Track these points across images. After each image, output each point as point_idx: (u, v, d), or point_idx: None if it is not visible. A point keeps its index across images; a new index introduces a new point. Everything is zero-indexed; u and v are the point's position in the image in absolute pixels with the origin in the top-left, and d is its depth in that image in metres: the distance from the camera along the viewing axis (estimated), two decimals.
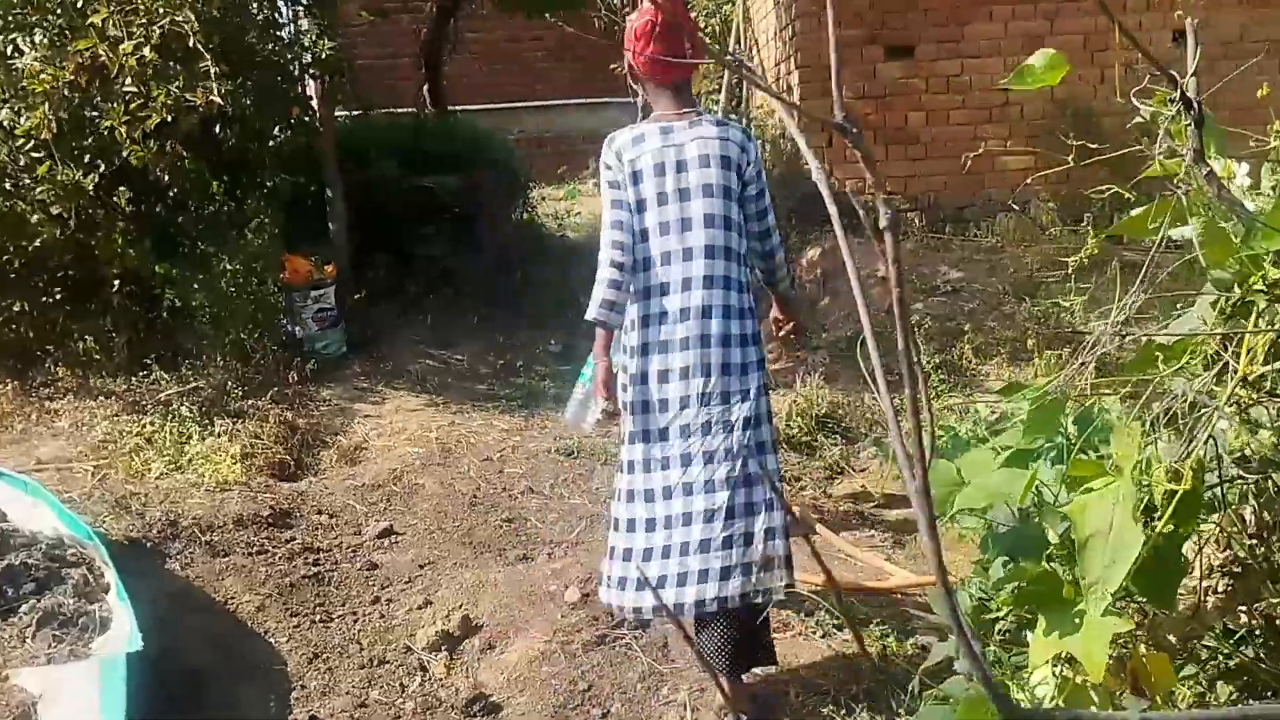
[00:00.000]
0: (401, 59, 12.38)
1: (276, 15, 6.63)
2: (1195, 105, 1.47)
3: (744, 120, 8.67)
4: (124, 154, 5.71)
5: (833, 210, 1.04)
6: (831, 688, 3.25)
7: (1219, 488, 1.95)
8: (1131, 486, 1.67)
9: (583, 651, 3.53)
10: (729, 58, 7.67)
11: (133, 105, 5.63)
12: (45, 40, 5.82)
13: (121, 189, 5.81)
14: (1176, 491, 1.77)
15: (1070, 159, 2.26)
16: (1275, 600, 1.96)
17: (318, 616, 3.93)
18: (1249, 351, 1.78)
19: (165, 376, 5.80)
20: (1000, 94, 7.97)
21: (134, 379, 5.85)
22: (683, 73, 3.26)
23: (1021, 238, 7.23)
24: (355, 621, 3.92)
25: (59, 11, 5.85)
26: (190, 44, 5.77)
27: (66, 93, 5.62)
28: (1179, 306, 2.56)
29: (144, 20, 5.72)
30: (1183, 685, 1.95)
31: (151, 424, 5.38)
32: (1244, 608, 1.98)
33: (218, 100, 5.76)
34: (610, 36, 12.63)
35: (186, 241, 6.06)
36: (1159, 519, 1.73)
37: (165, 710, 3.19)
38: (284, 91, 6.85)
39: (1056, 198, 7.63)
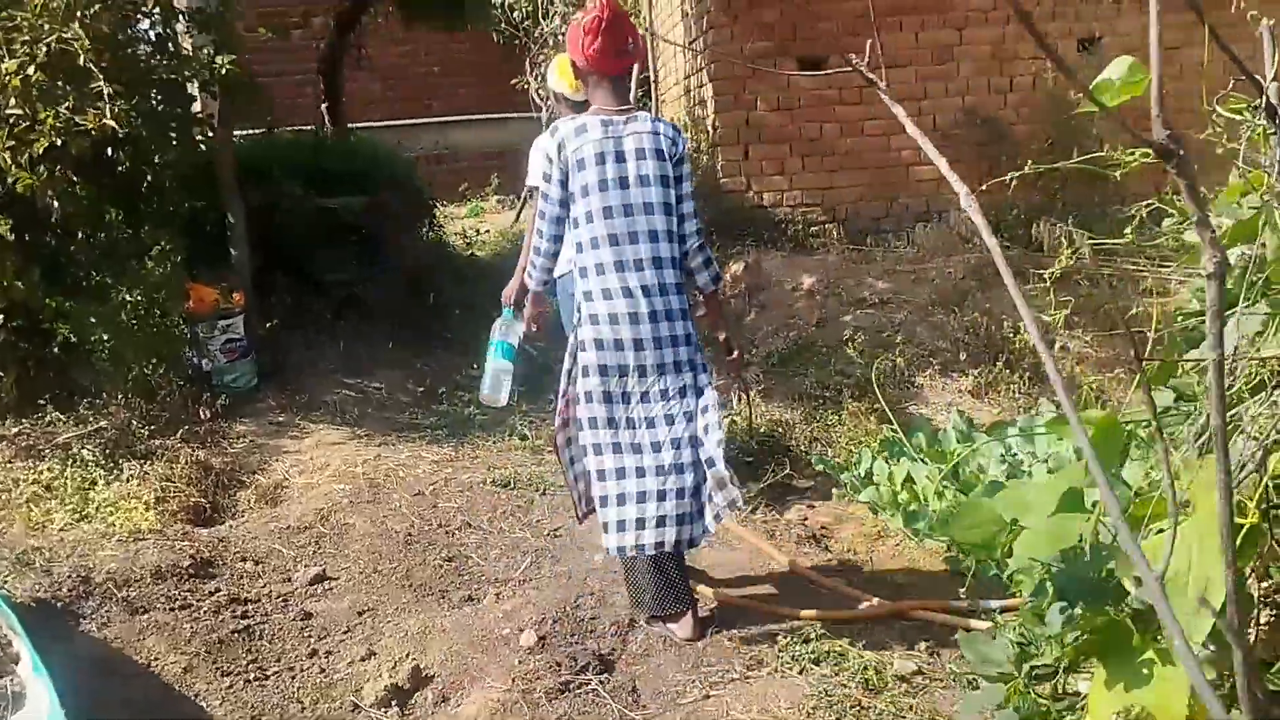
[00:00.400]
0: (294, 76, 11.99)
1: (171, 31, 6.26)
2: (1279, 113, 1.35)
3: None
4: (9, 181, 5.31)
5: (986, 234, 0.89)
6: None
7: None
8: (1213, 524, 1.55)
9: (546, 700, 3.32)
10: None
11: (18, 129, 5.25)
12: None
13: (1, 217, 5.40)
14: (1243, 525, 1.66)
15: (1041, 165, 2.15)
16: None
17: (252, 674, 3.63)
18: None
19: (61, 417, 5.40)
20: (912, 104, 7.98)
21: (25, 421, 5.43)
22: (625, 66, 3.69)
23: (942, 247, 7.23)
24: (293, 678, 3.64)
25: None
26: (80, 62, 5.40)
27: None
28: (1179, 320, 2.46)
29: (28, 38, 5.34)
30: None
31: (50, 470, 5.00)
32: None
33: (111, 123, 5.41)
34: (511, 51, 12.44)
35: (81, 272, 5.66)
36: None
37: None
38: (181, 111, 6.48)
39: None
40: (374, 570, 4.35)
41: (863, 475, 4.87)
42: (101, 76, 5.39)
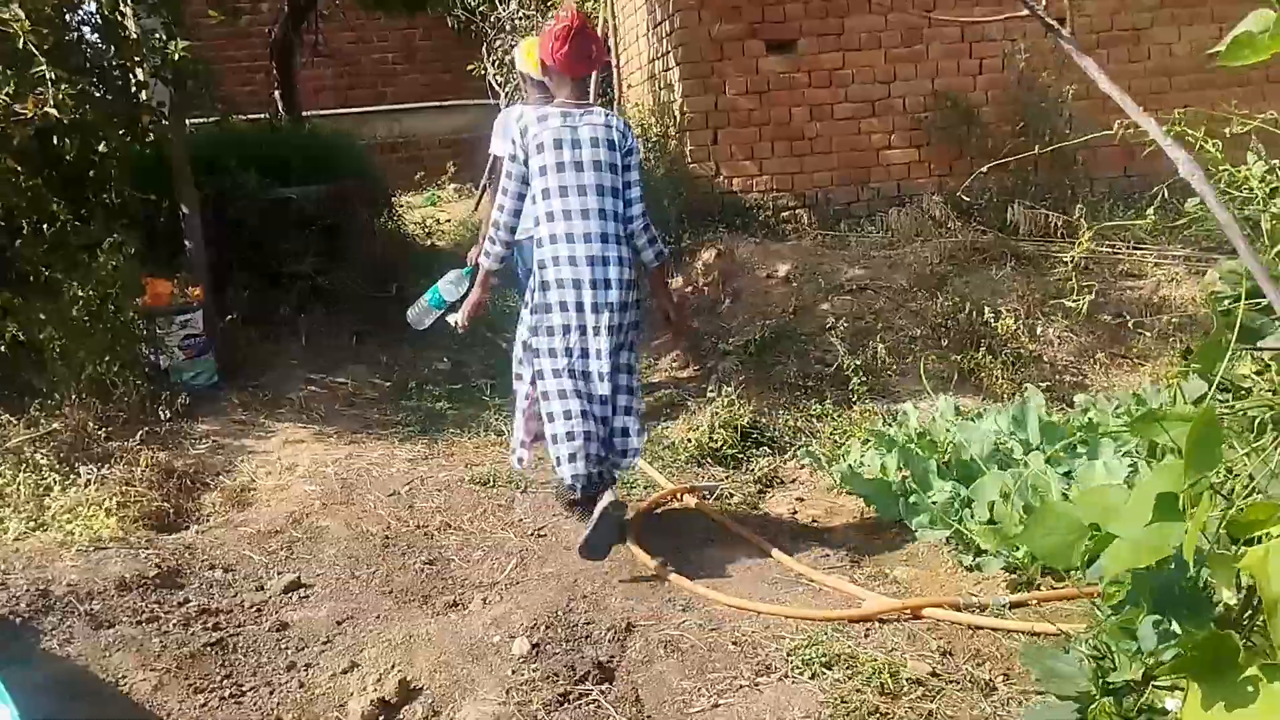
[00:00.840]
0: (243, 62, 11.67)
1: (119, 14, 5.98)
2: None
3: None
4: None
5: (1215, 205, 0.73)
6: None
7: None
8: None
9: (545, 713, 3.14)
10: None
11: None
12: None
13: None
14: None
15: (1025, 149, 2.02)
16: None
17: (227, 691, 3.40)
18: None
19: (11, 419, 5.12)
20: (882, 87, 7.89)
21: None
22: (587, 70, 4.38)
23: (916, 232, 7.13)
24: (272, 693, 3.42)
25: None
26: (20, 45, 5.13)
27: None
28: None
29: None
30: None
31: (1, 476, 4.73)
32: None
33: (53, 110, 5.15)
34: (467, 38, 12.19)
35: (28, 266, 5.38)
36: None
37: None
38: (130, 98, 6.20)
39: (940, 190, 7.58)
40: (351, 576, 4.14)
41: (850, 466, 4.73)
42: (44, 61, 5.12)
